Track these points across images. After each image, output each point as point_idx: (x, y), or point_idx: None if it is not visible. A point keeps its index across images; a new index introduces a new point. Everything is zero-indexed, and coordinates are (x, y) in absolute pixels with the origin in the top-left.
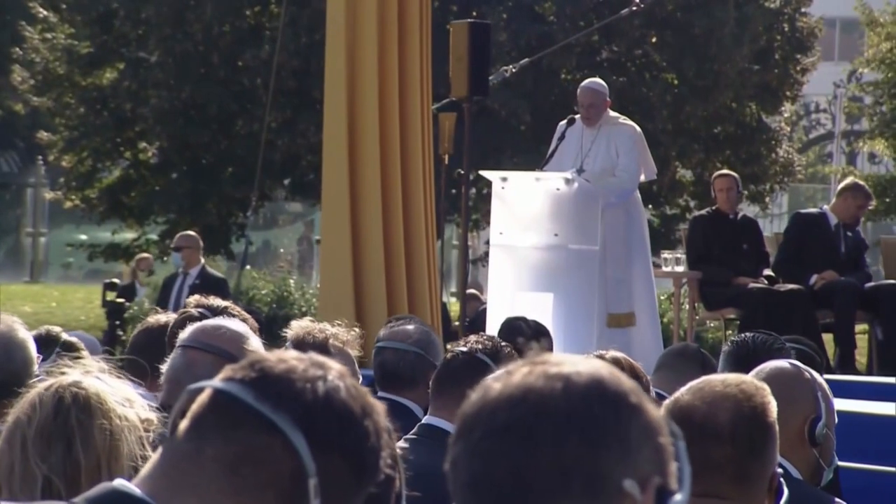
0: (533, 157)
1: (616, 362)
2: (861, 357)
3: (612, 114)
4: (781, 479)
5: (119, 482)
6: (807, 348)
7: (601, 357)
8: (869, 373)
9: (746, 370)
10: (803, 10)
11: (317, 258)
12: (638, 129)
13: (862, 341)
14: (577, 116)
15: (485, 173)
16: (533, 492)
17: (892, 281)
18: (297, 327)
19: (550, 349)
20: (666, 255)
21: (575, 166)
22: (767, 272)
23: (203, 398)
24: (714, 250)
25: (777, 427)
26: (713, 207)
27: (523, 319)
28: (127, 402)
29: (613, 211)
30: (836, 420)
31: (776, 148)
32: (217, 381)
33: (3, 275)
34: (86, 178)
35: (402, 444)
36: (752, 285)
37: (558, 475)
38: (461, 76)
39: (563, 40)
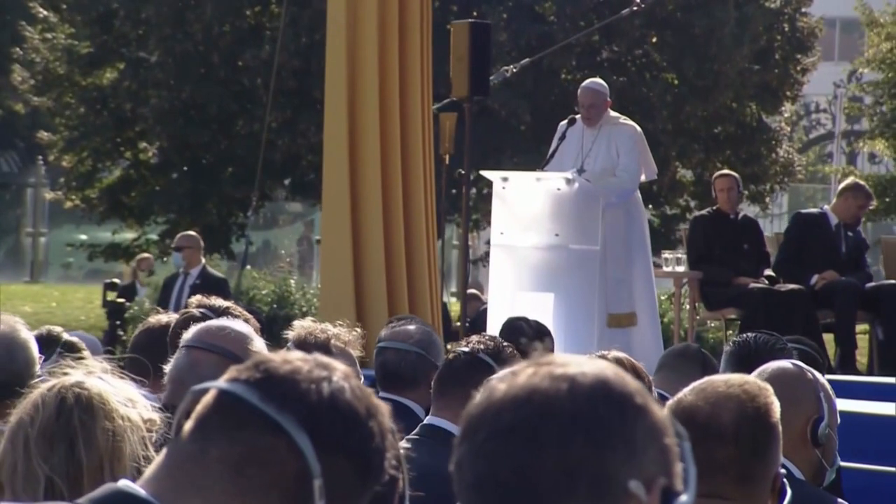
0: (533, 157)
1: (618, 363)
2: (862, 357)
3: (613, 114)
4: (785, 480)
5: (123, 483)
6: (808, 348)
7: (603, 357)
8: (870, 373)
9: (748, 370)
10: (803, 10)
11: (317, 258)
12: (638, 129)
13: (863, 341)
14: (578, 116)
15: (485, 173)
16: (538, 493)
17: (892, 281)
18: (298, 328)
19: (552, 349)
20: (667, 255)
21: (575, 166)
22: (768, 272)
23: (208, 399)
24: (715, 250)
25: (780, 427)
26: (714, 207)
27: (524, 319)
28: (130, 402)
29: (614, 211)
30: (839, 420)
31: (776, 148)
32: (222, 382)
33: (3, 275)
34: (86, 178)
35: (404, 444)
36: (752, 285)
37: (563, 476)
38: (462, 76)
39: (563, 40)
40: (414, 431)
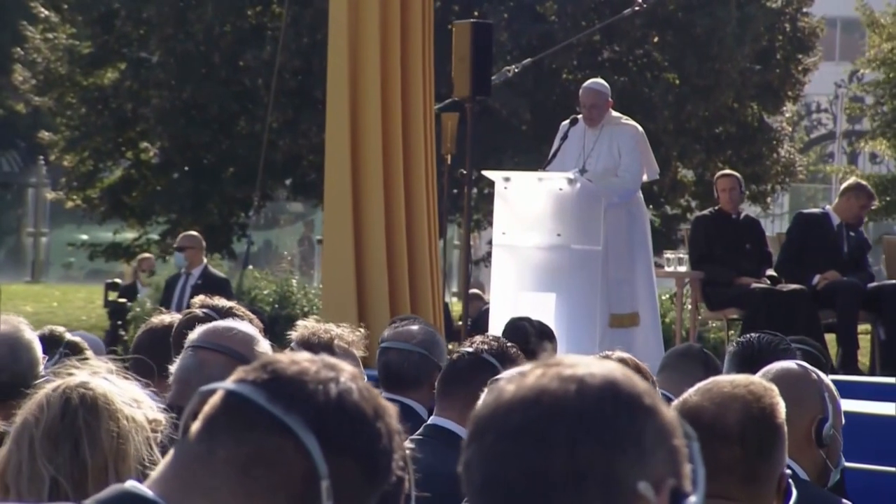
0: (534, 156)
1: (622, 363)
2: (863, 357)
3: (615, 114)
4: (790, 481)
5: (130, 484)
6: (812, 349)
7: (607, 358)
8: (871, 373)
9: (752, 371)
10: (805, 10)
11: (318, 258)
12: (640, 128)
13: (864, 341)
14: (580, 116)
15: (487, 173)
16: (547, 494)
17: (894, 281)
18: (302, 328)
19: (545, 349)
20: (668, 254)
21: (577, 166)
22: (770, 272)
23: (215, 400)
24: (716, 250)
25: (786, 428)
26: (716, 207)
27: (528, 320)
28: (135, 402)
29: (616, 211)
30: (843, 421)
31: (777, 148)
32: (229, 383)
33: (5, 275)
34: (87, 178)
35: (407, 444)
36: (754, 285)
37: (572, 477)
38: (463, 76)
39: (564, 40)
40: (417, 432)
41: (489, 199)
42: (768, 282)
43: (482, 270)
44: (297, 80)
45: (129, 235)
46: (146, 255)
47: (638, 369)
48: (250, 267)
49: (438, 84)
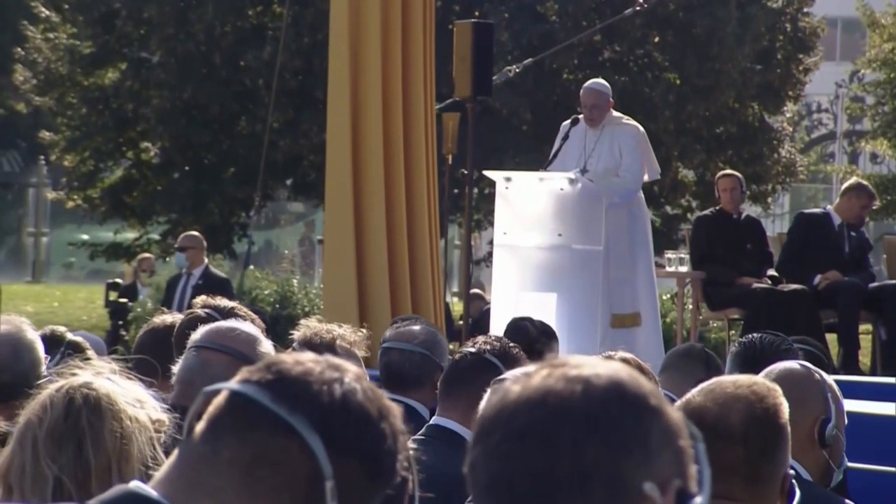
0: (535, 156)
1: (625, 363)
2: (864, 357)
3: (616, 114)
4: (793, 481)
5: (135, 484)
6: (814, 349)
7: (609, 358)
8: (872, 373)
9: (754, 371)
10: (805, 10)
11: (318, 258)
12: (641, 129)
13: (865, 342)
14: (581, 116)
15: (489, 173)
16: (552, 495)
17: (894, 281)
18: (304, 328)
19: (552, 350)
20: (670, 254)
21: (578, 166)
22: (771, 272)
23: (219, 400)
24: (717, 250)
25: (789, 428)
26: (717, 207)
27: (529, 320)
28: (138, 403)
29: (616, 211)
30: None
31: (778, 148)
32: (233, 384)
33: (5, 275)
34: (88, 178)
35: (411, 445)
36: (755, 285)
37: (578, 478)
38: (465, 76)
39: (564, 40)
40: (420, 432)
41: (490, 199)
42: (769, 282)
43: (483, 270)
44: (298, 80)
45: (129, 235)
46: (146, 255)
47: (641, 370)
48: (251, 267)
49: (439, 84)
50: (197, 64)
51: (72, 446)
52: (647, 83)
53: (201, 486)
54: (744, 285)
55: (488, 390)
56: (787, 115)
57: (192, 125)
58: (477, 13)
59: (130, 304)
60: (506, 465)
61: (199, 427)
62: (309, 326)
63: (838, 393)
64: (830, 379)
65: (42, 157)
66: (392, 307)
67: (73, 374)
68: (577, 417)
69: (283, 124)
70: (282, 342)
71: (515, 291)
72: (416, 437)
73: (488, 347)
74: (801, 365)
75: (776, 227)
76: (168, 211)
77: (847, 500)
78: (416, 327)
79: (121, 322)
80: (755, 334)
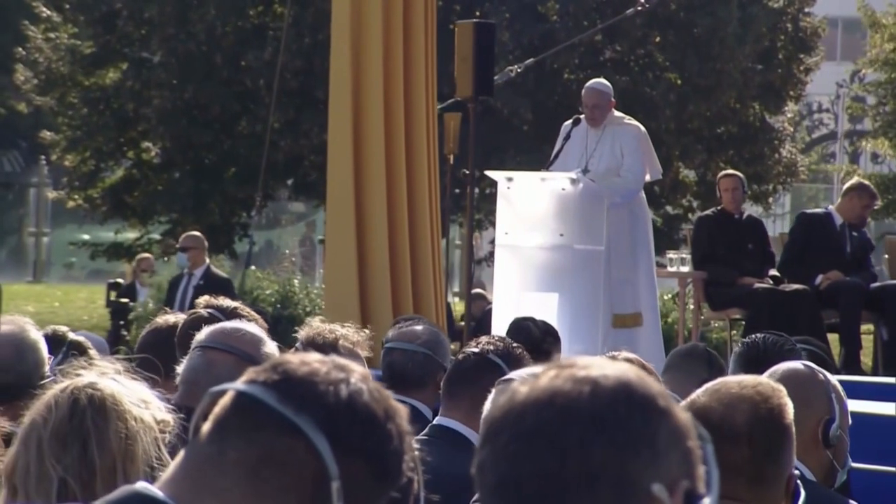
0: (536, 156)
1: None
2: (866, 357)
3: (617, 114)
4: (798, 482)
5: (141, 485)
6: (816, 349)
7: (613, 358)
8: (874, 373)
9: (758, 372)
10: (806, 10)
11: (319, 258)
12: (643, 128)
13: (867, 342)
14: (583, 116)
15: (490, 173)
16: (560, 496)
17: None
18: (308, 328)
19: (559, 350)
20: (671, 254)
21: (580, 166)
22: (772, 272)
23: (226, 401)
24: (719, 250)
25: (794, 429)
26: (718, 207)
27: (532, 320)
28: (143, 403)
29: (618, 211)
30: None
31: (779, 148)
32: (240, 384)
33: (6, 274)
34: (88, 178)
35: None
36: (757, 285)
37: (586, 479)
38: (466, 76)
39: (565, 40)
40: (423, 432)
41: (491, 198)
42: (771, 282)
43: (483, 270)
44: (299, 80)
45: (130, 235)
46: (145, 255)
47: (644, 370)
48: (252, 267)
49: (441, 84)
50: (198, 64)
51: (76, 447)
52: (648, 83)
53: (207, 486)
54: (745, 285)
55: (492, 390)
56: (788, 115)
57: (193, 125)
58: (478, 13)
59: (132, 304)
60: (514, 466)
61: (206, 427)
62: (312, 326)
63: (842, 393)
64: (834, 379)
65: (43, 156)
66: (393, 307)
67: (78, 375)
68: (584, 418)
69: (283, 124)
70: (283, 342)
71: (517, 291)
72: (418, 437)
73: (491, 348)
74: (804, 365)
75: (777, 227)
76: (169, 211)
77: (851, 501)
78: (419, 327)
79: (122, 322)
80: (758, 335)
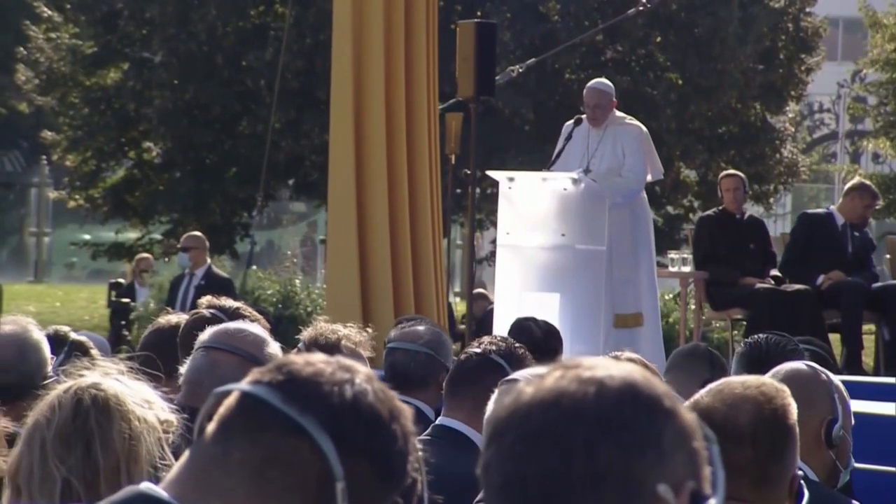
0: (537, 156)
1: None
2: (867, 357)
3: (619, 114)
4: (802, 482)
5: (145, 485)
6: (819, 349)
7: (616, 359)
8: (875, 373)
9: (761, 372)
10: (807, 10)
11: (320, 258)
12: (644, 129)
13: (868, 342)
14: (584, 116)
15: (492, 173)
16: (566, 496)
17: None
18: (311, 328)
19: (561, 350)
20: (672, 255)
21: (581, 166)
22: (774, 272)
23: (230, 401)
24: (720, 250)
25: (797, 429)
26: (720, 207)
27: (533, 320)
28: (146, 403)
29: (619, 211)
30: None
31: (780, 148)
32: (244, 384)
33: (7, 274)
34: (89, 178)
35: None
36: (758, 285)
37: (591, 480)
38: (467, 76)
39: (567, 40)
40: (425, 432)
41: (492, 198)
42: (772, 282)
43: (485, 270)
44: (300, 80)
45: (131, 235)
46: (144, 255)
47: (647, 370)
48: (253, 267)
49: (442, 84)
50: (199, 64)
51: (80, 447)
52: (650, 83)
53: (212, 487)
54: (747, 285)
55: (495, 391)
56: (790, 115)
57: (194, 125)
58: (479, 13)
59: (133, 304)
60: (519, 466)
61: (210, 428)
62: (315, 327)
63: (845, 393)
64: (837, 380)
65: (44, 156)
66: (395, 307)
67: (81, 375)
68: (590, 419)
69: (285, 124)
70: (285, 343)
71: (518, 291)
72: (421, 437)
73: (494, 348)
74: (807, 365)
75: (778, 227)
76: (170, 211)
77: (854, 501)
78: (421, 327)
79: (123, 322)
80: (761, 335)
